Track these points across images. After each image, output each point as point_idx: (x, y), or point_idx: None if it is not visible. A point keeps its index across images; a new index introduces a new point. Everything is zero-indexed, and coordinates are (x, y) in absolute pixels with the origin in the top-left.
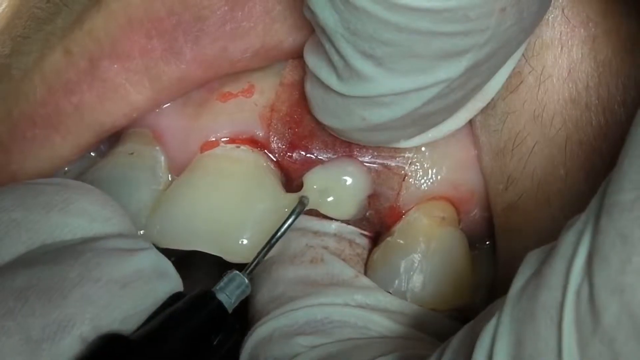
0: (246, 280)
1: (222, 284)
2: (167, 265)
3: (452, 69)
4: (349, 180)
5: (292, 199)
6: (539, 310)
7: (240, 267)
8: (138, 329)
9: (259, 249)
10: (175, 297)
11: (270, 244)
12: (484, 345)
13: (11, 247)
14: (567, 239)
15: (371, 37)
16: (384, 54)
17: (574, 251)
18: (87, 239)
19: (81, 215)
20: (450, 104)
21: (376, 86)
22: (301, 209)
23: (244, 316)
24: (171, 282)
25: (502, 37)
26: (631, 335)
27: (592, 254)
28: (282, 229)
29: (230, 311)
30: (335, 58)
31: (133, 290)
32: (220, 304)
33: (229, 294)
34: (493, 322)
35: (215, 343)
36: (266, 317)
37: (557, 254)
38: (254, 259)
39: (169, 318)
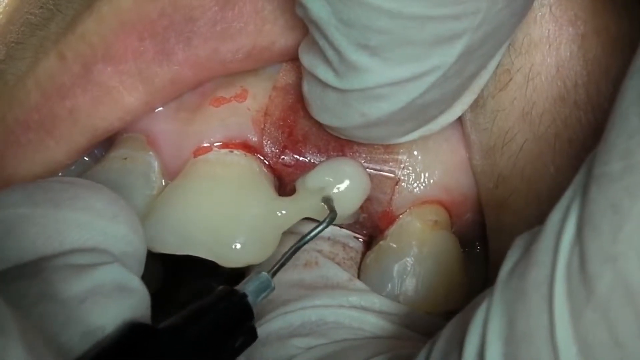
0: (272, 283)
1: (247, 283)
2: (131, 279)
3: (447, 55)
4: (347, 182)
5: (285, 203)
6: (529, 288)
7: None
8: (167, 319)
9: (252, 254)
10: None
11: (297, 247)
12: (476, 329)
13: (18, 241)
14: (554, 217)
15: (364, 27)
16: (378, 43)
17: (561, 226)
18: (47, 257)
19: (89, 211)
20: (446, 94)
21: (373, 77)
22: (333, 216)
23: None
24: (135, 296)
25: (494, 21)
26: (625, 302)
27: (581, 225)
28: (312, 234)
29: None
30: (330, 53)
31: (93, 305)
32: (247, 304)
33: (253, 293)
34: (484, 306)
35: (237, 345)
36: (261, 321)
37: (545, 232)
38: (279, 261)
39: (198, 311)
